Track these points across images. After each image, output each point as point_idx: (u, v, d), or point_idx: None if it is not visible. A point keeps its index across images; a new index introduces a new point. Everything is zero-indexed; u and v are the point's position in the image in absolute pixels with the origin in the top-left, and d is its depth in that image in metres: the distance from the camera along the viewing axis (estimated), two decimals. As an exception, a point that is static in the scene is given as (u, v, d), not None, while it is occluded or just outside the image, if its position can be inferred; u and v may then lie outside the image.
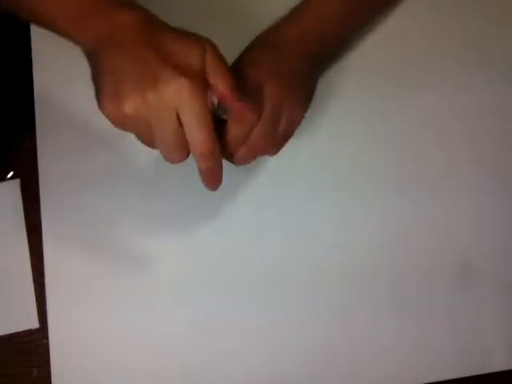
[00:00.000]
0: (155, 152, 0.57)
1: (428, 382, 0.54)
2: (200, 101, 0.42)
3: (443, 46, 0.60)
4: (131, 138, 0.58)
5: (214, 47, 0.44)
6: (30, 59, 0.59)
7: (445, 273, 0.55)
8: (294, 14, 0.54)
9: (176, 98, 0.41)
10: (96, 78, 0.44)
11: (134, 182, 0.57)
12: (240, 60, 0.52)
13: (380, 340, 0.54)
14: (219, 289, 0.55)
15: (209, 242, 0.56)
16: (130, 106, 0.42)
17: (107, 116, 0.44)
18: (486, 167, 0.57)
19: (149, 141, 0.45)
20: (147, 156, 0.57)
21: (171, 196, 0.57)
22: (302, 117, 0.53)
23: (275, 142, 0.51)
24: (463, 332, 0.54)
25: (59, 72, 0.59)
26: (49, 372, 0.54)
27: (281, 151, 0.57)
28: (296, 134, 0.58)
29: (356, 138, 0.58)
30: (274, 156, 0.53)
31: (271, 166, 0.57)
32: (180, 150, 0.44)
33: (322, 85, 0.57)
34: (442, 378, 0.54)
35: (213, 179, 0.48)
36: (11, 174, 0.58)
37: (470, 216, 0.57)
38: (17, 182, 0.58)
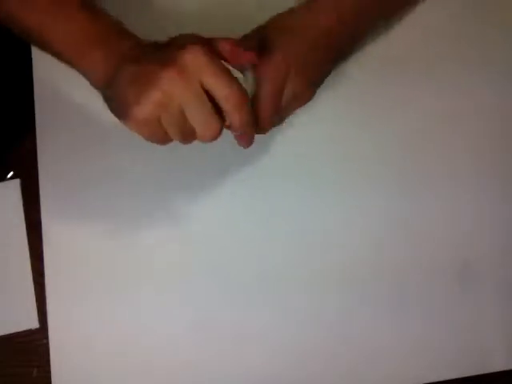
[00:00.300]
0: (155, 151, 0.57)
1: (428, 382, 0.53)
2: (217, 62, 0.43)
3: (443, 47, 0.60)
4: (131, 137, 0.58)
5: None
6: (30, 59, 0.59)
7: (445, 273, 0.55)
8: (310, 4, 0.53)
9: (198, 65, 0.43)
10: (114, 101, 0.45)
11: (133, 181, 0.57)
12: (253, 33, 0.52)
13: (380, 340, 0.54)
14: (219, 289, 0.55)
15: (209, 242, 0.56)
16: (158, 95, 0.43)
17: (138, 122, 0.44)
18: (486, 167, 0.57)
19: (182, 127, 0.45)
20: (147, 155, 0.57)
21: (171, 196, 0.57)
22: (307, 97, 0.53)
23: (276, 112, 0.51)
24: (463, 332, 0.54)
25: (59, 72, 0.59)
26: (49, 372, 0.54)
27: (282, 151, 0.57)
28: (297, 134, 0.58)
29: (356, 139, 0.58)
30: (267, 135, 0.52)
31: (272, 165, 0.57)
32: (217, 118, 0.45)
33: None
34: (441, 378, 0.54)
35: (249, 135, 0.49)
36: (11, 173, 0.58)
37: (470, 216, 0.57)
38: (17, 182, 0.58)
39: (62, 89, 0.59)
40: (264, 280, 0.55)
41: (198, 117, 0.44)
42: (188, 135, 0.46)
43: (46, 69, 0.59)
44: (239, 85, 0.44)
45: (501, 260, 0.56)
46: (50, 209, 0.57)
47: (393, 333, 0.54)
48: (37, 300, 0.55)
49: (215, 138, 0.46)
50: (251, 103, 0.48)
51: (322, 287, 0.55)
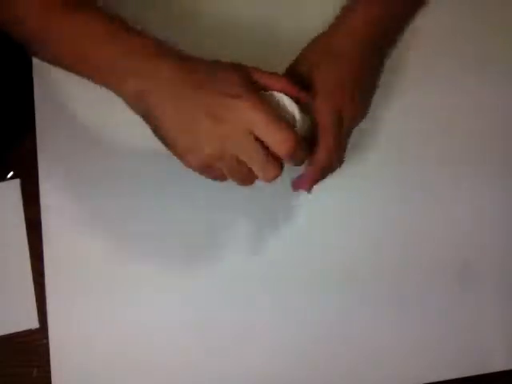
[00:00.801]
0: (155, 152, 0.57)
1: (428, 382, 0.54)
2: (266, 110, 0.43)
3: (443, 46, 0.60)
4: (131, 137, 0.58)
5: (246, 66, 0.46)
6: (30, 59, 0.59)
7: (445, 273, 0.55)
8: (342, 18, 0.53)
9: (246, 120, 0.43)
10: (161, 133, 0.46)
11: (133, 181, 0.57)
12: (295, 64, 0.52)
13: (380, 340, 0.54)
14: (219, 289, 0.55)
15: (209, 241, 0.56)
16: (211, 150, 0.44)
17: (192, 167, 0.46)
18: (486, 167, 0.57)
19: (240, 173, 0.46)
20: (147, 156, 0.57)
21: (171, 196, 0.57)
22: (366, 112, 0.53)
23: (341, 148, 0.51)
24: (463, 332, 0.54)
25: (59, 72, 0.59)
26: (49, 372, 0.54)
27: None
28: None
29: (356, 139, 0.58)
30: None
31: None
32: (273, 162, 0.45)
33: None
34: (442, 378, 0.54)
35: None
36: (11, 173, 0.58)
37: (470, 216, 0.57)
38: (17, 182, 0.58)
39: (61, 89, 0.59)
40: (264, 280, 0.55)
41: (256, 164, 0.45)
42: (248, 179, 0.46)
43: (46, 69, 0.59)
44: (290, 128, 0.44)
45: (501, 260, 0.56)
46: (50, 209, 0.57)
47: (393, 333, 0.54)
48: (37, 300, 0.55)
49: (277, 177, 0.46)
50: (308, 143, 0.48)
51: (322, 287, 0.55)
